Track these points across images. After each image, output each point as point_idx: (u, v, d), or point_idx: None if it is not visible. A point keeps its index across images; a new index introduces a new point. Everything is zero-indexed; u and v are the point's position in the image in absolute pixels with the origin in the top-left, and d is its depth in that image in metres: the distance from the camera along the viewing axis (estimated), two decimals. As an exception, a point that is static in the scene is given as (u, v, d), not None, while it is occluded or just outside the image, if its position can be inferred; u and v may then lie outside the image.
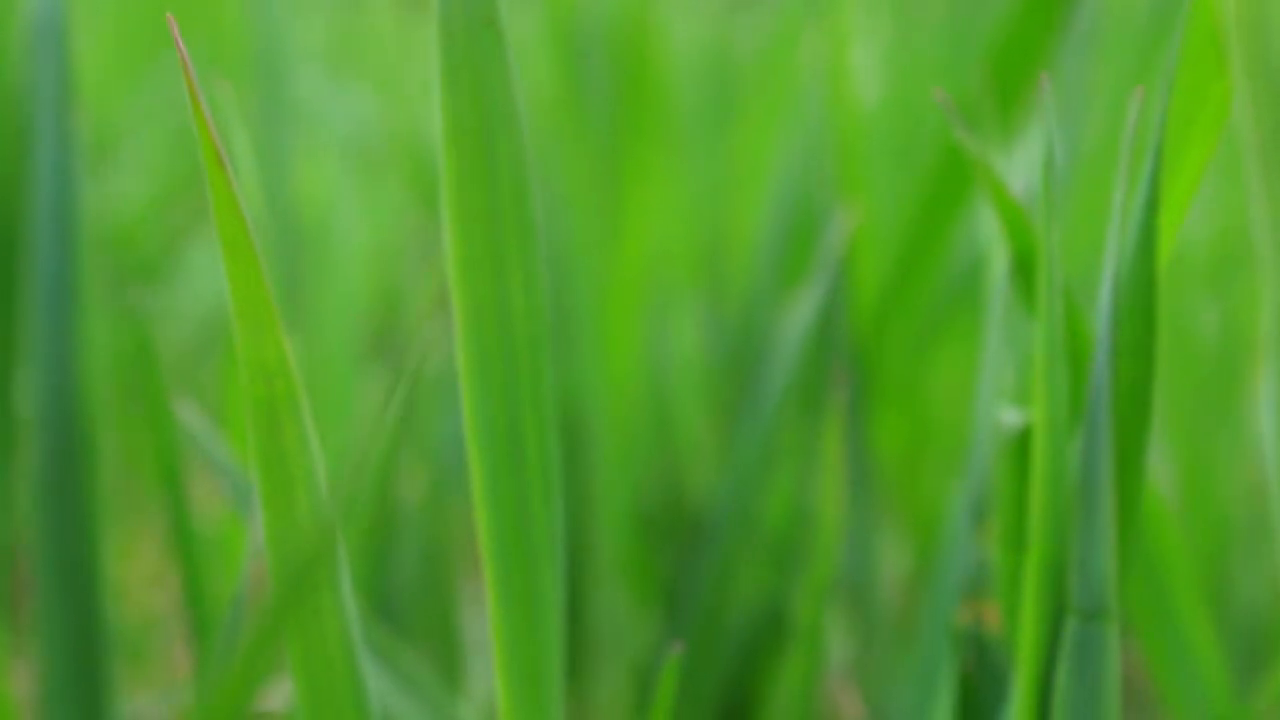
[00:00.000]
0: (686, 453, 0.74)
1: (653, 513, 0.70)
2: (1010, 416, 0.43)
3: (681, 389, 0.70)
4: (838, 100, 0.61)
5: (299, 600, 0.34)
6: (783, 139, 0.67)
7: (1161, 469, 0.66)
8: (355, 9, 1.26)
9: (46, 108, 0.53)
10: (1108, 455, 0.38)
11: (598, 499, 0.66)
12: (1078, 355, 0.40)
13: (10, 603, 0.54)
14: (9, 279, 0.53)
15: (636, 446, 0.68)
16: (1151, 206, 0.37)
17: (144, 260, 0.99)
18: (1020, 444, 0.43)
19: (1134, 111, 0.37)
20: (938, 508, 0.65)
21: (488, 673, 0.62)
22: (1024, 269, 0.42)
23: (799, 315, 0.53)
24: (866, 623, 0.59)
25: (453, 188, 0.37)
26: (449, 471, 0.71)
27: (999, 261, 0.49)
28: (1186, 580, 0.46)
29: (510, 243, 0.37)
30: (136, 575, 0.76)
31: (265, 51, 0.70)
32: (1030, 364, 0.59)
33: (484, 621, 0.46)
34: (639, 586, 0.66)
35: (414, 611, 0.60)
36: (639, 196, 0.66)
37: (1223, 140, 0.39)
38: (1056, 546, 0.38)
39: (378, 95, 0.84)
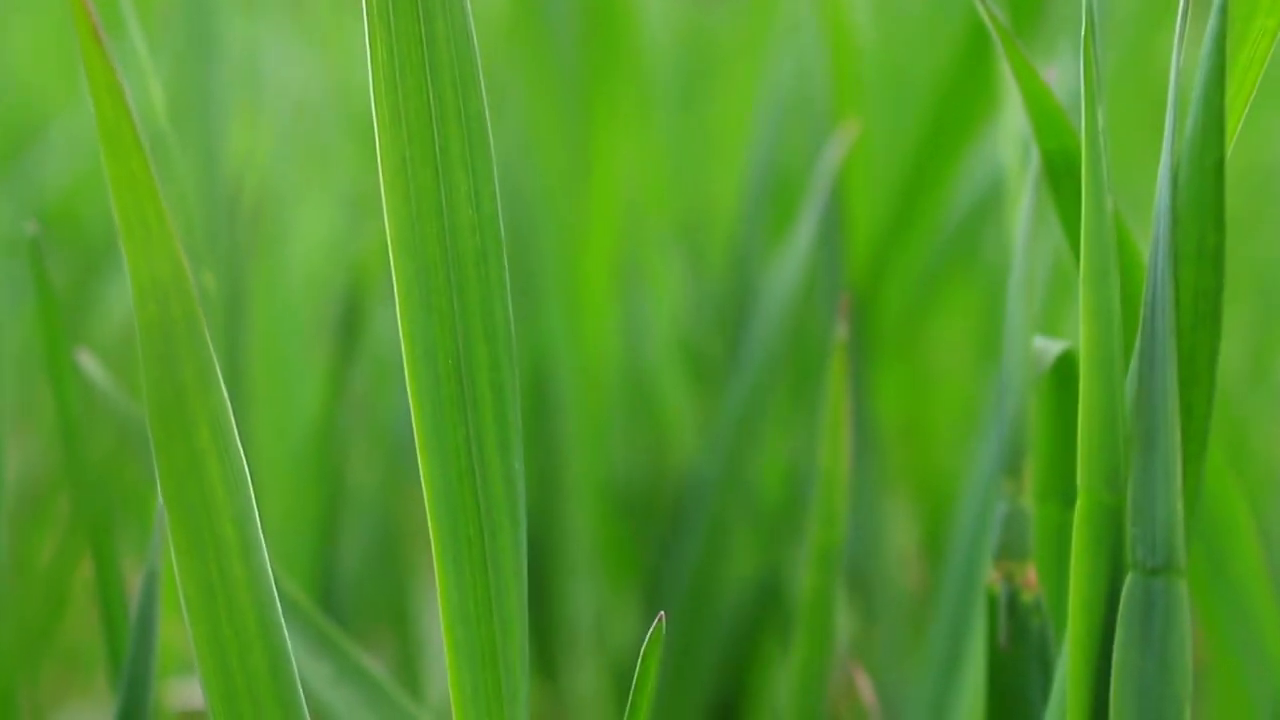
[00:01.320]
0: (668, 421, 0.68)
1: (632, 488, 0.64)
2: (1046, 345, 0.37)
3: (661, 349, 0.64)
4: (833, 25, 0.55)
5: (201, 559, 0.28)
6: (770, 76, 0.60)
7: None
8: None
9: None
10: (1170, 379, 0.32)
11: (569, 473, 0.60)
12: (1125, 272, 0.34)
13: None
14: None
15: (611, 414, 0.62)
16: (1216, 78, 0.31)
17: (82, 239, 0.93)
18: (1058, 375, 0.37)
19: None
20: (947, 468, 0.59)
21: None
22: (1059, 169, 0.35)
23: (792, 252, 0.47)
24: (874, 598, 0.53)
25: (381, 72, 0.31)
26: (406, 455, 0.65)
27: (1017, 175, 0.43)
28: (1246, 538, 0.40)
29: (453, 138, 0.31)
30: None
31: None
32: (1062, 286, 0.53)
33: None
34: (618, 569, 0.60)
35: (366, 603, 0.54)
36: (610, 137, 0.60)
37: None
38: (1110, 492, 0.32)
39: (319, 50, 0.78)
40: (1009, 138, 0.48)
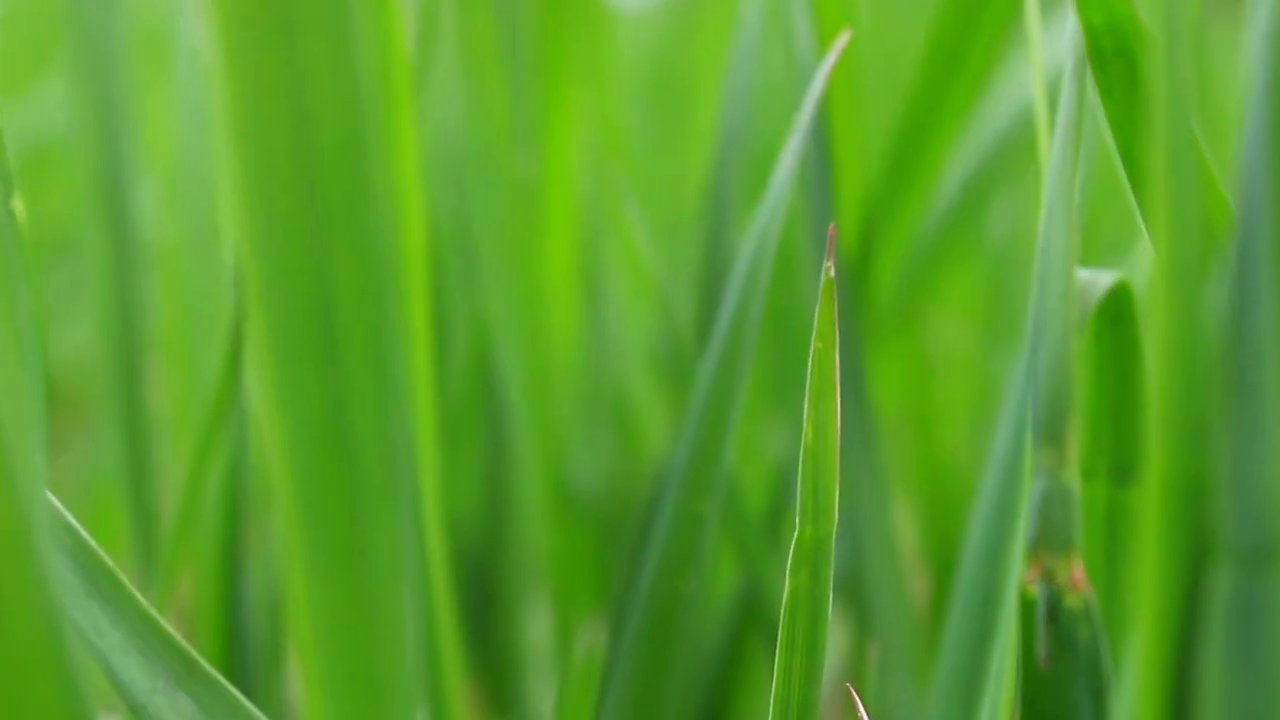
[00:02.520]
0: (637, 417, 0.60)
1: (595, 491, 0.56)
2: (1092, 277, 0.29)
3: (625, 335, 0.56)
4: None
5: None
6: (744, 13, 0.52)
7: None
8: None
9: None
10: (1273, 308, 0.24)
11: (521, 475, 0.52)
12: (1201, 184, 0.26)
13: None
14: None
15: (571, 408, 0.54)
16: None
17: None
18: (1110, 313, 0.29)
19: None
20: (955, 458, 0.51)
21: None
22: (1108, 49, 0.28)
23: (769, 198, 0.40)
24: (872, 607, 0.45)
25: None
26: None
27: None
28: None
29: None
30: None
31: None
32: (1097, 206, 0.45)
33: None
34: (574, 588, 0.52)
35: (265, 637, 0.46)
36: (567, 83, 0.52)
37: None
38: (1192, 456, 0.24)
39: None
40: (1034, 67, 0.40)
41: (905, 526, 0.55)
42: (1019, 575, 0.29)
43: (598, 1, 0.55)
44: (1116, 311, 0.28)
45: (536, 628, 0.58)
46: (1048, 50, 0.59)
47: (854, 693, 0.35)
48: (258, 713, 0.29)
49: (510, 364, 0.49)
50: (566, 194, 0.53)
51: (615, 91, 0.55)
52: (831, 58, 0.38)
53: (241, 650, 0.45)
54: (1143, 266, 0.39)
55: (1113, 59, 0.28)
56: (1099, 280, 0.29)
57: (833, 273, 0.30)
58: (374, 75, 0.23)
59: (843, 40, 0.39)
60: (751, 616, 0.47)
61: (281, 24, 0.23)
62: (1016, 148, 0.57)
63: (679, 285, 0.61)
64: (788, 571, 0.31)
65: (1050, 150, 0.31)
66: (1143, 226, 0.30)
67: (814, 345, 0.31)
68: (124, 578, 0.29)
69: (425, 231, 0.55)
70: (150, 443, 0.52)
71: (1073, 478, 0.28)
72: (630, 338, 0.57)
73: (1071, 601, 0.28)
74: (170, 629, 0.29)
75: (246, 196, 0.23)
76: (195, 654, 0.29)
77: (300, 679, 0.24)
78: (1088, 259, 0.32)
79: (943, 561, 0.52)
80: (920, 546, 0.54)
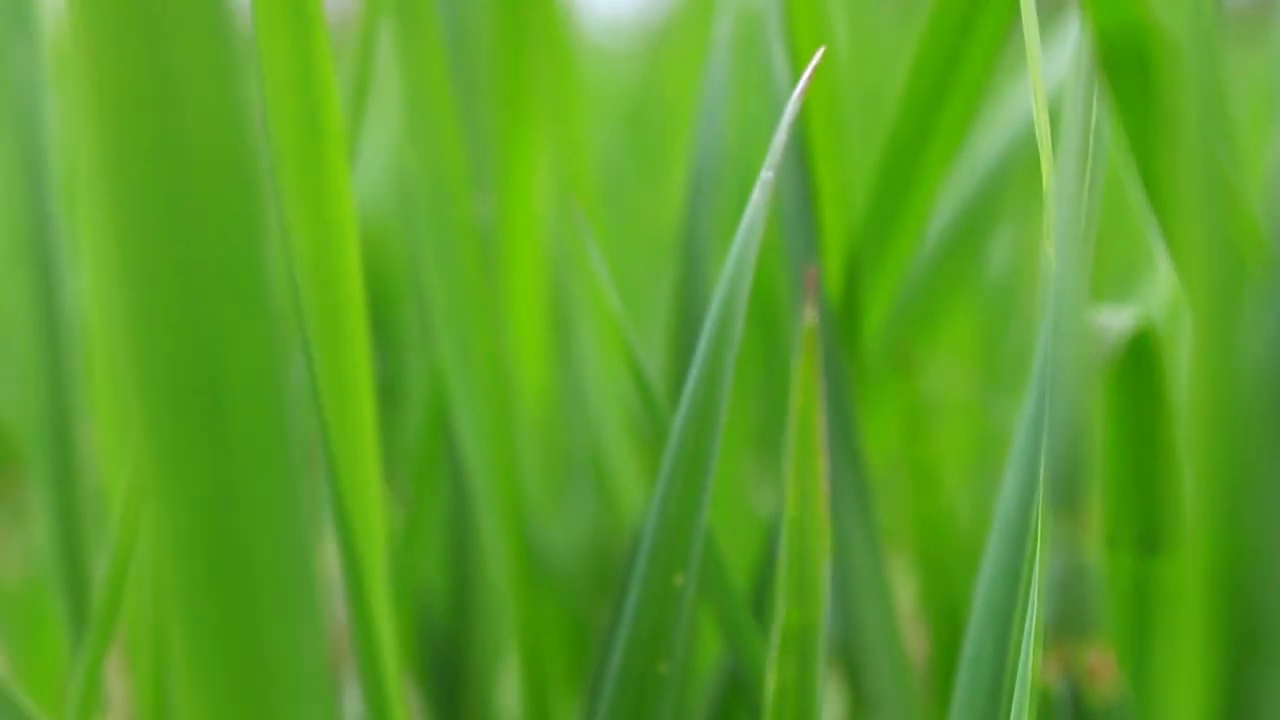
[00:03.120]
0: (611, 479, 0.56)
1: (567, 560, 0.52)
2: (1110, 317, 0.25)
3: (598, 388, 0.52)
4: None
5: None
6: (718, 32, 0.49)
7: None
8: None
9: None
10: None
11: (483, 544, 0.48)
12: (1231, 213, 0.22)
13: None
14: None
15: (536, 469, 0.50)
16: None
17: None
18: (1133, 360, 0.25)
19: None
20: (953, 514, 0.47)
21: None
22: (1121, 54, 0.24)
23: (746, 225, 0.36)
24: (868, 678, 0.41)
25: None
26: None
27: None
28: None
29: None
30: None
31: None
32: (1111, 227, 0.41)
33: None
34: (545, 661, 0.48)
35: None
36: (530, 113, 0.48)
37: None
38: (1235, 524, 0.21)
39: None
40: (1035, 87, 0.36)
41: (901, 581, 0.51)
42: (1036, 665, 0.25)
43: (563, 25, 0.51)
44: (1138, 355, 0.25)
45: (507, 702, 0.54)
46: (1047, 67, 0.56)
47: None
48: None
49: (469, 421, 0.45)
50: (532, 236, 0.50)
51: (585, 123, 0.51)
52: (807, 76, 0.35)
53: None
54: (1159, 301, 0.35)
55: (1126, 67, 0.24)
56: (1117, 320, 0.25)
57: (815, 320, 0.26)
58: (263, 129, 0.20)
59: (818, 57, 0.35)
60: (739, 698, 0.43)
61: (156, 76, 0.19)
62: (1016, 172, 0.53)
63: (656, 331, 0.57)
64: (772, 662, 0.27)
65: (1054, 173, 0.27)
66: (1162, 255, 0.26)
67: (795, 402, 0.27)
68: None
69: (371, 278, 0.50)
70: (83, 511, 0.48)
71: (1094, 549, 0.25)
72: (604, 391, 0.54)
73: (1099, 697, 0.24)
74: None
75: (117, 259, 0.19)
76: None
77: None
78: (1094, 292, 0.29)
79: (942, 619, 0.48)
80: (918, 602, 0.50)
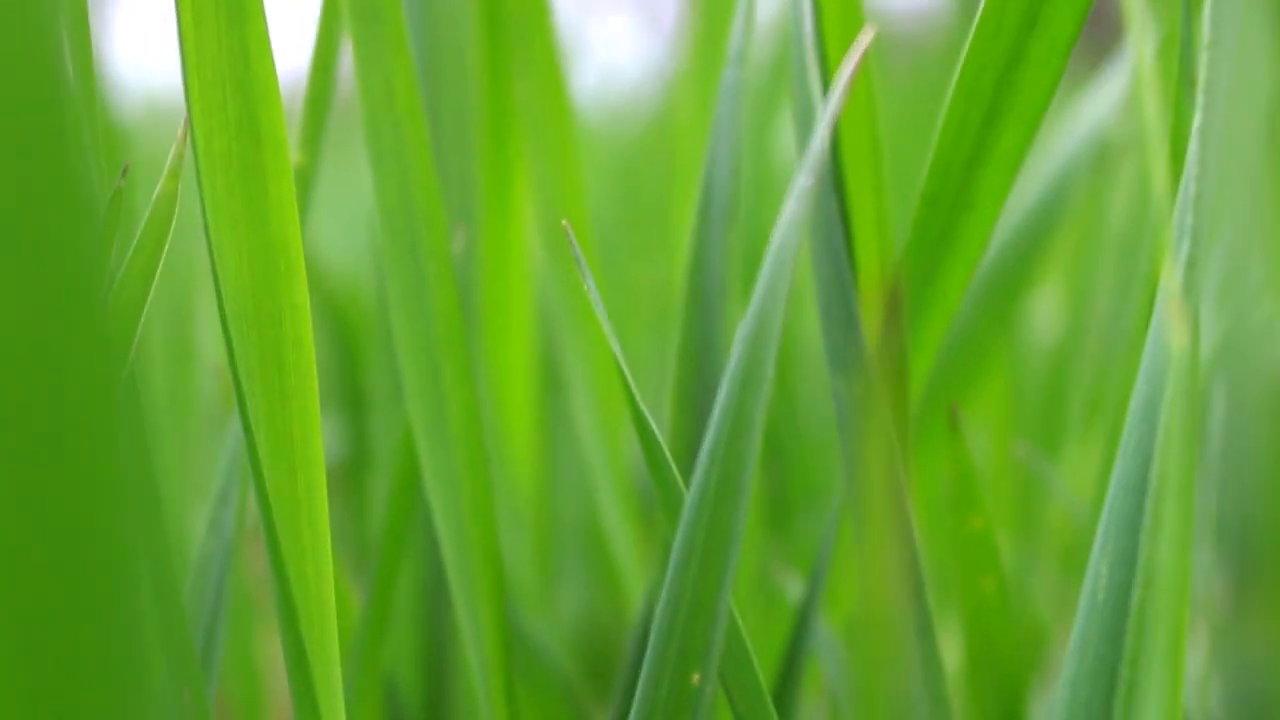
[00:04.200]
0: (609, 559, 0.49)
1: (558, 654, 0.45)
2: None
3: (594, 454, 0.45)
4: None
5: None
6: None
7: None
8: None
9: None
10: None
11: (461, 634, 0.41)
12: None
13: None
14: None
15: (522, 547, 0.43)
16: None
17: None
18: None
19: None
20: (1007, 605, 0.40)
21: None
22: None
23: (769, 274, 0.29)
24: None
25: None
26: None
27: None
28: None
29: None
30: None
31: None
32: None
33: None
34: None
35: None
36: (517, 136, 0.41)
37: None
38: None
39: None
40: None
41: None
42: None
43: (552, 39, 0.45)
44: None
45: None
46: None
47: None
48: None
49: (442, 490, 0.38)
50: (519, 279, 0.43)
51: (579, 154, 0.44)
52: (854, 59, 0.28)
53: None
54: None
55: None
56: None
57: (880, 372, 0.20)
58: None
59: (866, 39, 0.29)
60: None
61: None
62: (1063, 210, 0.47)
63: (656, 395, 0.51)
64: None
65: (1159, 164, 0.20)
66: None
67: (866, 486, 0.21)
68: None
69: (338, 340, 0.44)
70: None
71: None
72: (600, 455, 0.47)
73: None
74: None
75: None
76: None
77: None
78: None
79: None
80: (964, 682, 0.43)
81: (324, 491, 0.33)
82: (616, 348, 0.36)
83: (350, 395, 0.60)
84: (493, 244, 0.42)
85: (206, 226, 0.32)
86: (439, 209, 0.36)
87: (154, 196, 0.33)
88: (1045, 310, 0.63)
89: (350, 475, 0.63)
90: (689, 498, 0.32)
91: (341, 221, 1.09)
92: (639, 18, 1.33)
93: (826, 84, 0.38)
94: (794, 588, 0.48)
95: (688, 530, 0.31)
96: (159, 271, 0.33)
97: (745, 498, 0.31)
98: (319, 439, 0.33)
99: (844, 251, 0.37)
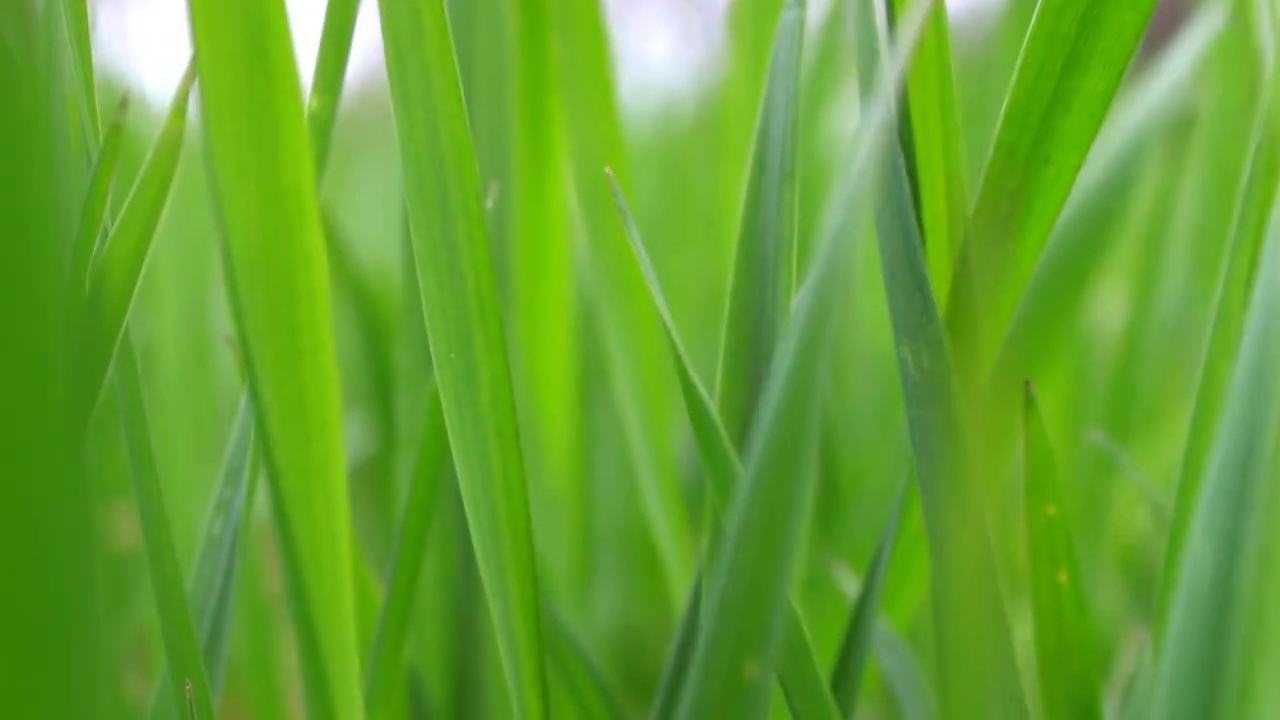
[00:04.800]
0: (652, 554, 0.46)
1: (597, 652, 0.42)
2: None
3: (635, 446, 0.42)
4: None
5: None
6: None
7: None
8: None
9: None
10: None
11: (492, 633, 0.38)
12: None
13: None
14: None
15: (558, 542, 0.40)
16: None
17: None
18: None
19: None
20: (1083, 609, 0.37)
21: None
22: None
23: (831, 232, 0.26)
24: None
25: None
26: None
27: None
28: None
29: None
30: None
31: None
32: None
33: None
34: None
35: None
36: (553, 94, 0.38)
37: None
38: None
39: None
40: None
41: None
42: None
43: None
44: None
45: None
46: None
47: None
48: None
49: (472, 468, 0.35)
50: (557, 245, 0.40)
51: (618, 115, 0.41)
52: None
53: None
54: None
55: None
56: None
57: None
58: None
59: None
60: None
61: None
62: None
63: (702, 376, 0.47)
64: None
65: None
66: None
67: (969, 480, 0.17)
68: None
69: (369, 330, 0.41)
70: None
71: None
72: (643, 443, 0.43)
73: None
74: None
75: None
76: None
77: None
78: None
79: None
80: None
81: (341, 464, 0.30)
82: (664, 310, 0.33)
83: (379, 390, 0.57)
84: (529, 203, 0.39)
85: (212, 170, 0.29)
86: (470, 160, 0.33)
87: (157, 138, 0.30)
88: (1109, 300, 0.60)
89: (377, 473, 0.59)
90: (745, 470, 0.28)
91: (382, 227, 1.06)
92: (676, 24, 1.30)
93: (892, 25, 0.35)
94: (848, 584, 0.45)
95: (744, 505, 0.28)
96: (162, 218, 0.30)
97: (807, 470, 0.28)
98: (336, 405, 0.29)
99: (911, 209, 0.34)
